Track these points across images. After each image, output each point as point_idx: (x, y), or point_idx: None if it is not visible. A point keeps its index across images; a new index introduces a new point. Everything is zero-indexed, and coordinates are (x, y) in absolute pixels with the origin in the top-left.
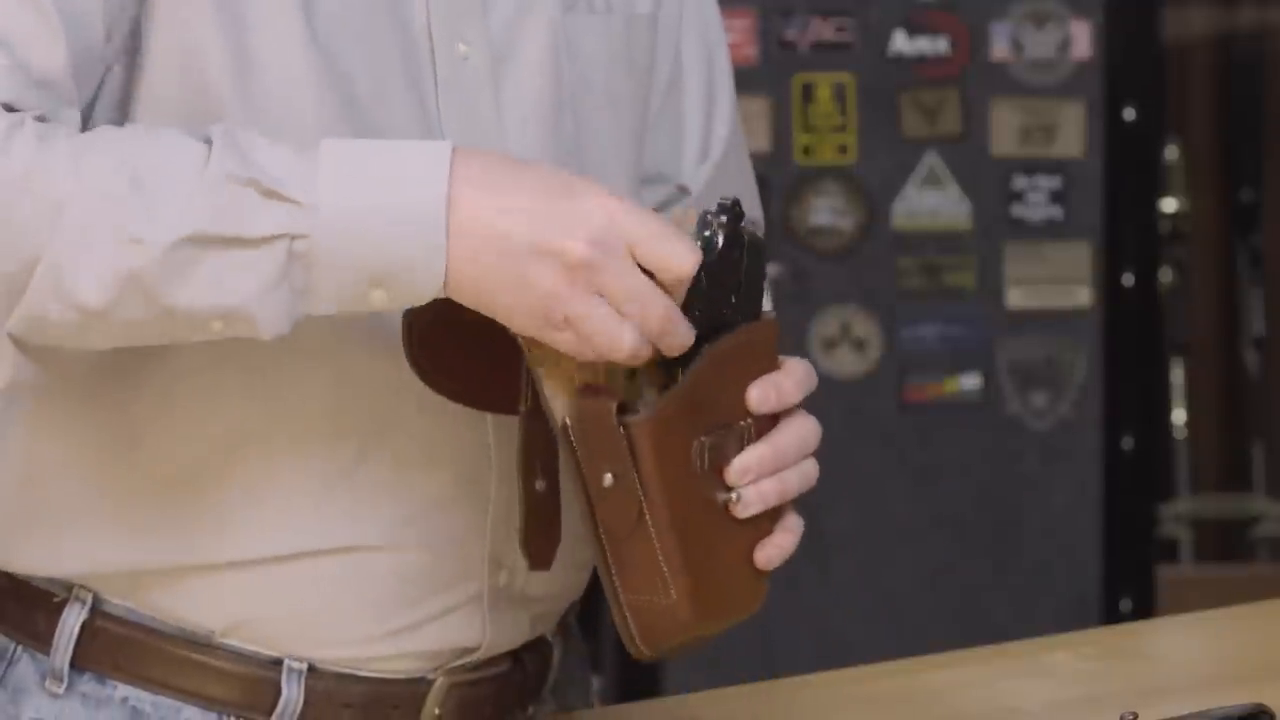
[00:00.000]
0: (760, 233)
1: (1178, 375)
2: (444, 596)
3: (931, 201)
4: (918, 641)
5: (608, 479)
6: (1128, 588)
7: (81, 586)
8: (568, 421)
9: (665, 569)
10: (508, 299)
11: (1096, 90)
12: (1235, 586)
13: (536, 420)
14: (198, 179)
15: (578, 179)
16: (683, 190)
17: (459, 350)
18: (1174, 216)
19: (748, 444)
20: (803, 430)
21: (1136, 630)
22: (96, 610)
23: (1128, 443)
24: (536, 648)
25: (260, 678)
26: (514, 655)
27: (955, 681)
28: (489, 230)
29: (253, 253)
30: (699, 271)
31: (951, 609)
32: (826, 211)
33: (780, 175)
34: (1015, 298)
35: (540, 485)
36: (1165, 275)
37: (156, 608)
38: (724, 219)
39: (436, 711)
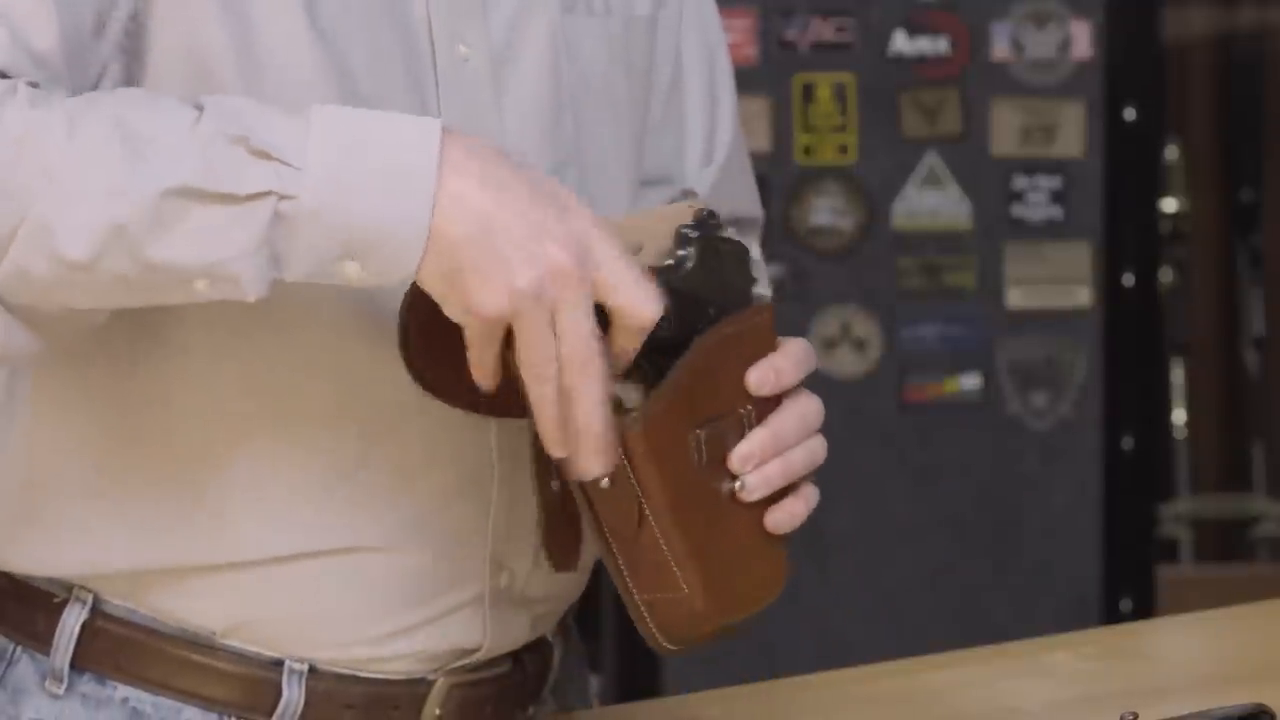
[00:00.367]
0: (759, 232)
1: (1178, 375)
2: (445, 598)
3: (932, 201)
4: (918, 641)
5: (604, 481)
6: (1128, 588)
7: (81, 587)
8: None
9: (674, 564)
10: (476, 281)
11: (1097, 90)
12: (1235, 586)
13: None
14: (189, 135)
15: (565, 192)
16: (687, 194)
17: (457, 357)
18: (1174, 216)
19: (749, 430)
20: (804, 409)
21: (1136, 630)
22: (97, 610)
23: (1128, 443)
24: (537, 648)
25: (261, 678)
26: (514, 656)
27: (955, 681)
28: (475, 213)
29: (239, 209)
30: (669, 288)
31: (951, 609)
32: (827, 211)
33: (780, 175)
34: (1015, 298)
35: (555, 485)
36: (1165, 275)
37: (157, 608)
38: (698, 234)
39: (437, 712)
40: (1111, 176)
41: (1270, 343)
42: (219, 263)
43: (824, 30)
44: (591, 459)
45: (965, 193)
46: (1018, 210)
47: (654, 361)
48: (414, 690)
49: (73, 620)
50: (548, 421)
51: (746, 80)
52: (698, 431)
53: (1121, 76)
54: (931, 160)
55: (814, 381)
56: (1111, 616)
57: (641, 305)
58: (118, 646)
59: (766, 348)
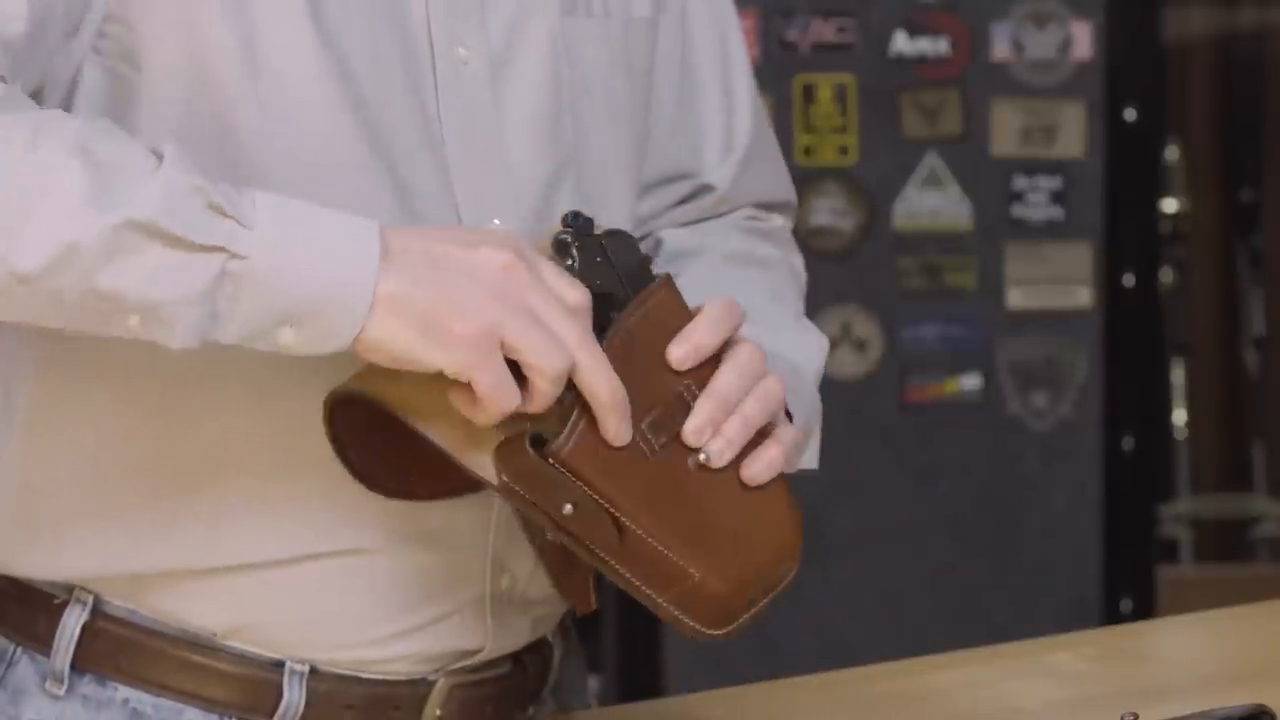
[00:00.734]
0: (793, 215)
1: (1178, 375)
2: (446, 600)
3: (932, 202)
4: (918, 642)
5: (568, 509)
6: (1128, 588)
7: (82, 588)
8: (504, 479)
9: (673, 556)
10: (448, 311)
11: (1097, 91)
12: (1235, 587)
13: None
14: (153, 174)
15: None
16: (707, 188)
17: (390, 454)
18: (1174, 217)
19: (694, 402)
20: (741, 360)
21: (1137, 630)
22: (97, 612)
23: (1128, 443)
24: (537, 649)
25: (262, 679)
26: (515, 657)
27: (956, 682)
28: (417, 258)
29: (192, 257)
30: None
31: (952, 609)
32: (827, 212)
33: None
34: (1016, 298)
35: (552, 535)
36: (1166, 275)
37: (158, 610)
38: (573, 240)
39: (438, 713)
40: (1112, 177)
41: (1270, 343)
42: (161, 303)
43: (825, 31)
44: (623, 427)
45: (966, 193)
46: (1018, 210)
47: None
48: (415, 691)
49: (73, 621)
50: (610, 391)
51: None
52: (641, 426)
53: (1122, 77)
54: (932, 161)
55: None
56: (1112, 617)
57: (572, 291)
58: (118, 647)
59: (680, 320)
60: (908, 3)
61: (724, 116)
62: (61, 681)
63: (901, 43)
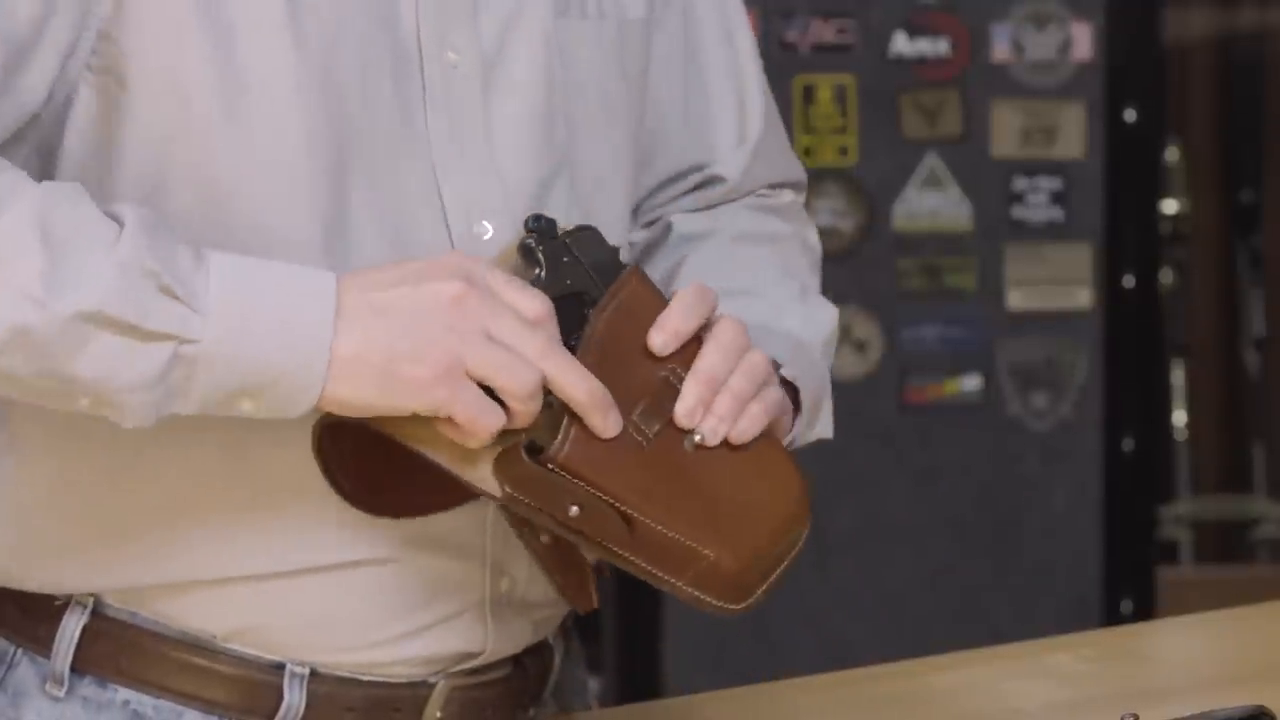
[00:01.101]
0: (804, 191)
1: (1178, 376)
2: (446, 604)
3: (932, 203)
4: (918, 642)
5: (574, 511)
6: (1128, 589)
7: (85, 593)
8: (507, 490)
9: (684, 539)
10: (404, 367)
11: (1097, 91)
12: (1235, 588)
13: (516, 508)
14: (107, 255)
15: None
16: (718, 179)
17: (377, 468)
18: (1174, 218)
19: (680, 385)
20: (724, 337)
21: (1137, 631)
22: (97, 614)
23: (1128, 444)
24: (538, 651)
25: (262, 682)
26: (515, 659)
27: (956, 682)
28: (368, 318)
29: (141, 345)
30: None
31: (952, 610)
32: (827, 213)
33: None
34: (1016, 299)
35: (546, 538)
36: (1166, 276)
37: (158, 613)
38: (538, 242)
39: (438, 715)
40: (1112, 178)
41: (1270, 344)
42: (112, 389)
43: (824, 32)
44: (610, 416)
45: (965, 194)
46: (1018, 211)
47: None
48: (415, 693)
49: (73, 624)
50: (589, 392)
51: None
52: (633, 417)
53: (1122, 78)
54: (932, 161)
55: None
56: (1112, 618)
57: (529, 303)
58: (119, 649)
59: (655, 308)
60: (907, 3)
61: (735, 110)
62: (62, 683)
63: (901, 43)
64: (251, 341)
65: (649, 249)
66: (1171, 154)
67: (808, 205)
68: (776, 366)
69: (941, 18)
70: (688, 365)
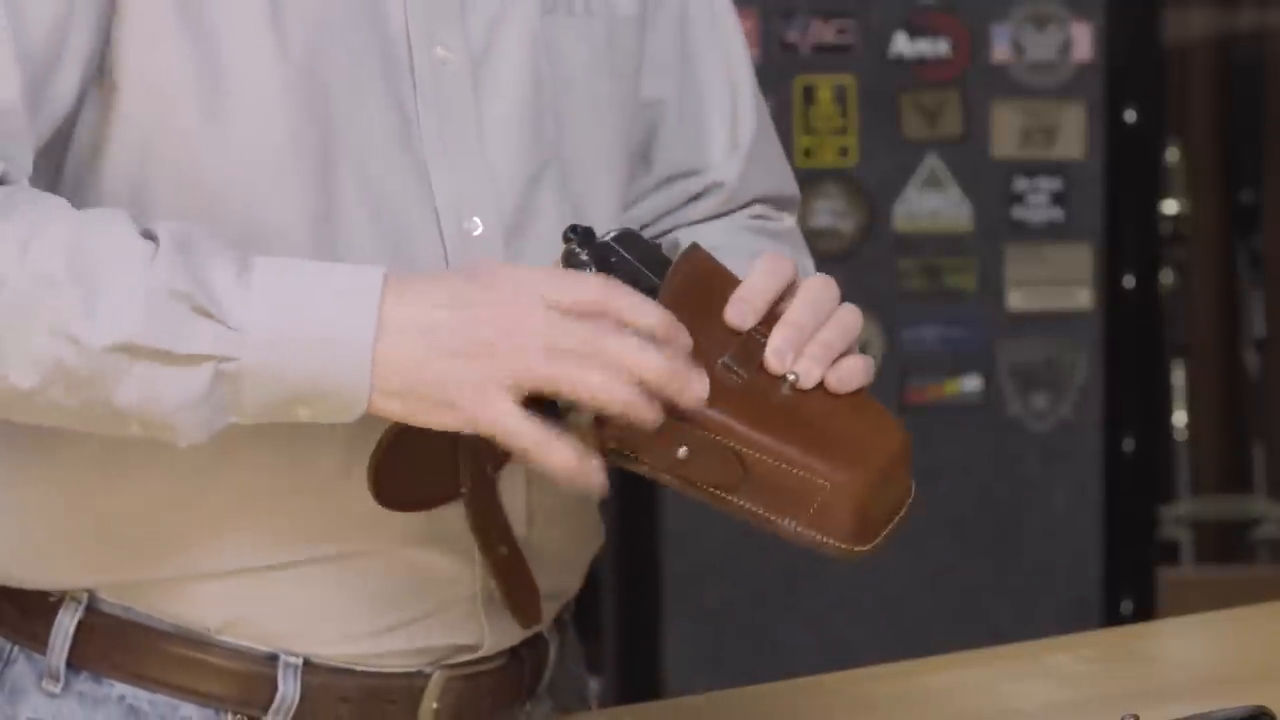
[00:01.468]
0: (796, 209)
1: (1178, 377)
2: (436, 598)
3: (932, 203)
4: (918, 643)
5: (682, 452)
6: (1128, 589)
7: (79, 589)
8: (609, 445)
9: (798, 472)
10: (441, 389)
11: (1097, 92)
12: (1236, 588)
13: (480, 497)
14: (138, 282)
15: (478, 268)
16: (716, 185)
17: (417, 462)
18: (1174, 218)
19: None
20: (811, 292)
21: (1137, 632)
22: (92, 610)
23: (1128, 444)
24: (533, 644)
25: (256, 673)
26: (511, 651)
27: (956, 683)
28: (410, 336)
29: (181, 369)
30: None
31: (952, 610)
32: (827, 213)
33: None
34: (1016, 299)
35: (504, 550)
36: (1166, 277)
37: (152, 608)
38: (580, 248)
39: (434, 706)
40: (1112, 178)
41: (1271, 344)
42: (157, 414)
43: (825, 32)
44: (692, 388)
45: (966, 194)
46: (1018, 212)
47: None
48: (410, 684)
49: (68, 619)
50: (658, 372)
51: None
52: (721, 361)
53: (1122, 78)
54: (932, 162)
55: None
56: (1112, 618)
57: (583, 287)
58: (113, 645)
59: (722, 278)
60: (908, 4)
61: (728, 113)
62: (58, 679)
63: (901, 44)
64: (292, 357)
65: None
66: (1172, 154)
67: (808, 205)
68: None
69: (941, 18)
70: (769, 330)
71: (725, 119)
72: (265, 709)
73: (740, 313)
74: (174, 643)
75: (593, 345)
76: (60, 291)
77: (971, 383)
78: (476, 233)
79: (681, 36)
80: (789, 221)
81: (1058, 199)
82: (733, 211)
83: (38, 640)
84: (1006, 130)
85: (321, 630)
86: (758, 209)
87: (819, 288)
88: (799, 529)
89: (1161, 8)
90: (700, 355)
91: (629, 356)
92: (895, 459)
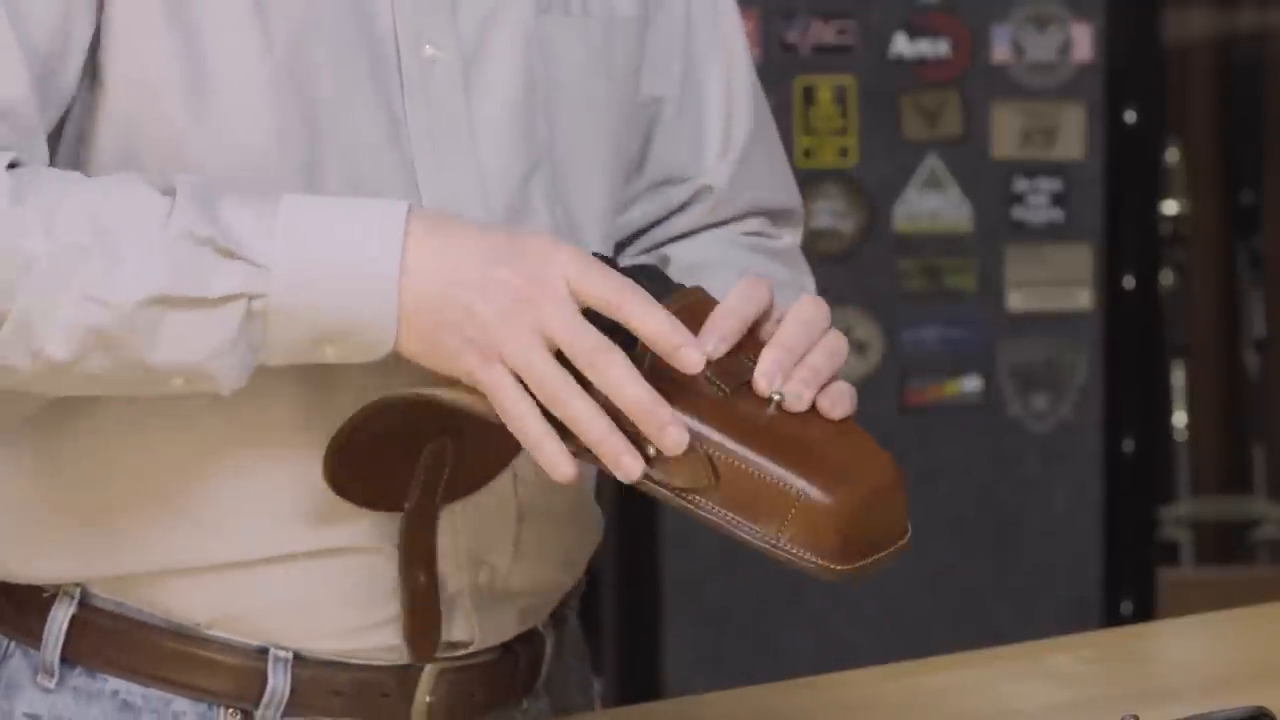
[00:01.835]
0: (797, 224)
1: (1178, 377)
2: None
3: (932, 204)
4: (918, 643)
5: (651, 450)
6: (1128, 590)
7: (70, 582)
8: None
9: (772, 480)
10: (448, 336)
11: (1097, 92)
12: (1236, 589)
13: (419, 519)
14: (160, 235)
15: (520, 230)
16: (705, 190)
17: (378, 459)
18: (1175, 219)
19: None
20: (801, 315)
21: (1137, 632)
22: (85, 605)
23: (1128, 445)
24: (528, 639)
25: (247, 667)
26: (504, 645)
27: (956, 684)
28: (434, 274)
29: (212, 312)
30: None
31: (952, 611)
32: (827, 214)
33: None
34: (1016, 300)
35: (421, 579)
36: (1166, 277)
37: (144, 600)
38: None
39: (428, 699)
40: (1112, 179)
41: (1271, 345)
42: (196, 363)
43: (825, 33)
44: (666, 432)
45: (966, 195)
46: (1018, 212)
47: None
48: (403, 676)
49: (61, 614)
50: (601, 439)
51: None
52: (703, 376)
53: (1122, 79)
54: (932, 162)
55: None
56: (1112, 619)
57: (614, 288)
58: (106, 640)
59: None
60: (908, 4)
61: (724, 117)
62: (52, 674)
63: (901, 44)
64: (319, 292)
65: None
66: (1172, 155)
67: (808, 206)
68: None
69: (942, 19)
70: (757, 353)
71: (720, 123)
72: (257, 703)
73: (714, 344)
74: (166, 637)
75: (590, 359)
76: (88, 257)
77: (971, 383)
78: None
79: (684, 37)
80: (789, 240)
81: (1058, 199)
82: (725, 222)
83: (33, 636)
84: (1006, 131)
85: (309, 625)
86: (753, 223)
87: (811, 309)
88: (774, 540)
89: (1161, 8)
90: (685, 375)
91: (614, 384)
92: (883, 486)
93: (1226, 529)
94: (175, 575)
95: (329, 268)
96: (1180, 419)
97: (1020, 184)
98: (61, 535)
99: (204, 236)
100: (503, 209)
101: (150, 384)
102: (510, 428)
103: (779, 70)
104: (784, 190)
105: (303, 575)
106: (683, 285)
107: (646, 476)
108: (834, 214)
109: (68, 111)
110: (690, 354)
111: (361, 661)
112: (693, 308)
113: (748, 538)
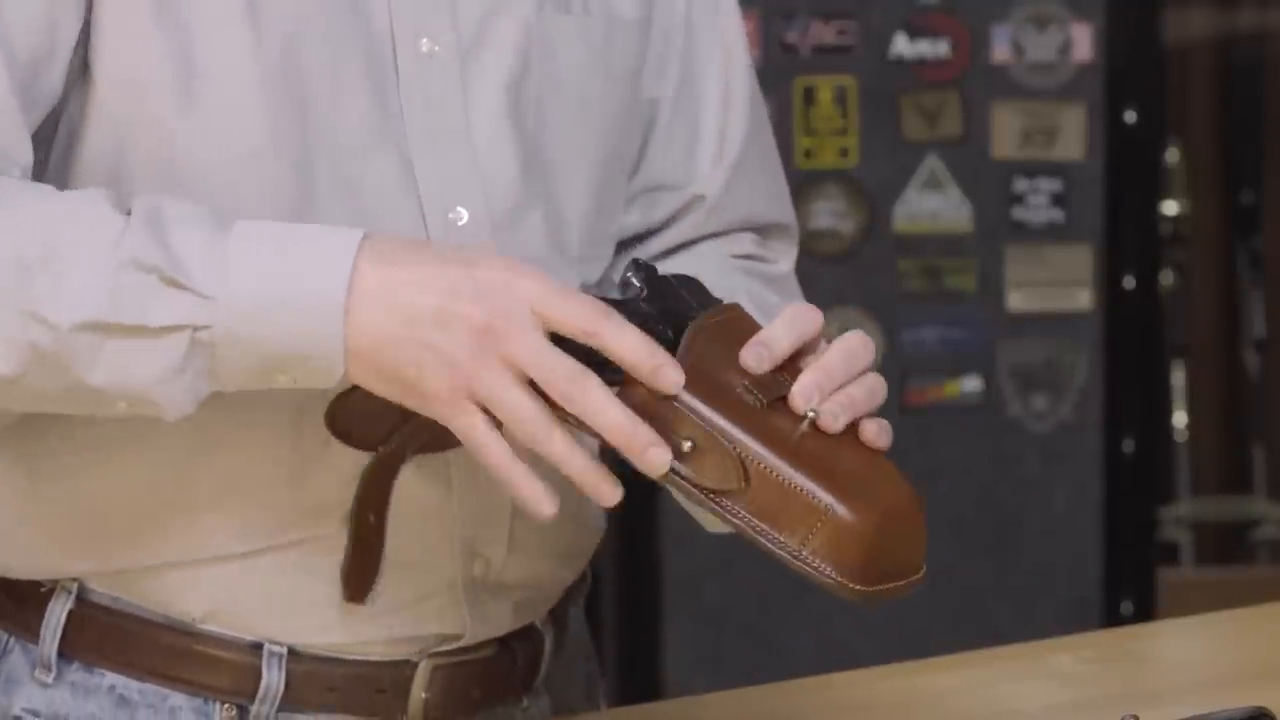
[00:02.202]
0: (791, 239)
1: (1178, 378)
2: (417, 584)
3: (932, 204)
4: (918, 644)
5: (686, 446)
6: (1128, 590)
7: (67, 577)
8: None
9: (801, 491)
10: (413, 375)
11: (1097, 93)
12: (1236, 589)
13: (389, 461)
14: (108, 259)
15: (477, 250)
16: (697, 199)
17: (375, 403)
18: (1175, 219)
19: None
20: (846, 346)
21: (1137, 633)
22: (82, 600)
23: (1128, 445)
24: (526, 636)
25: (242, 663)
26: (501, 642)
27: (956, 684)
28: (387, 310)
29: (154, 341)
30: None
31: (952, 611)
32: (827, 214)
33: None
34: (1016, 300)
35: (372, 518)
36: (1166, 278)
37: (139, 594)
38: (636, 271)
39: (424, 695)
40: (1112, 179)
41: (1271, 345)
42: (138, 389)
43: (825, 33)
44: (649, 453)
45: (966, 195)
46: (1018, 213)
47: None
48: (399, 672)
49: (59, 609)
50: (580, 470)
51: None
52: (742, 381)
53: (1122, 79)
54: (932, 163)
55: None
56: (1112, 619)
57: (581, 312)
58: (103, 635)
59: (754, 332)
60: (908, 5)
61: (719, 122)
62: (50, 669)
63: (902, 45)
64: (265, 323)
65: None
66: (1172, 155)
67: (808, 207)
68: None
69: (942, 19)
70: (795, 377)
71: (715, 131)
72: (252, 698)
73: (756, 356)
74: (162, 632)
75: (565, 389)
76: (31, 273)
77: (971, 384)
78: (461, 223)
79: (683, 39)
80: (784, 266)
81: (1058, 200)
82: (718, 235)
83: (31, 631)
84: (1006, 131)
85: (300, 619)
86: (746, 241)
87: (857, 343)
88: (796, 551)
89: (1161, 8)
90: (722, 377)
91: (593, 412)
92: (906, 511)
93: (1226, 529)
94: (169, 568)
95: (275, 299)
96: (1180, 419)
97: (1020, 184)
98: (57, 529)
99: (150, 264)
100: (499, 200)
101: (96, 405)
102: (489, 470)
103: (779, 71)
104: (779, 204)
105: (291, 567)
106: (719, 300)
107: (675, 472)
108: (834, 214)
109: (60, 112)
110: (670, 374)
111: (355, 657)
112: (733, 322)
113: (771, 547)
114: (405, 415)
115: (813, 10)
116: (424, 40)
